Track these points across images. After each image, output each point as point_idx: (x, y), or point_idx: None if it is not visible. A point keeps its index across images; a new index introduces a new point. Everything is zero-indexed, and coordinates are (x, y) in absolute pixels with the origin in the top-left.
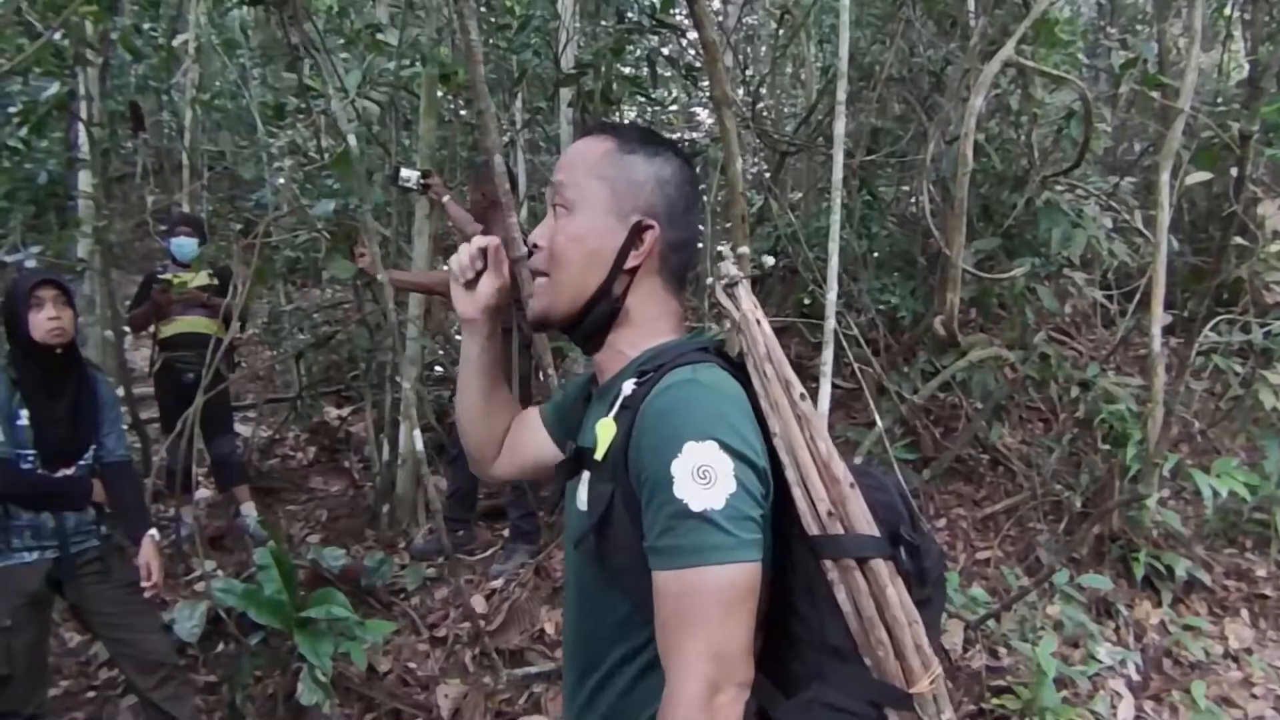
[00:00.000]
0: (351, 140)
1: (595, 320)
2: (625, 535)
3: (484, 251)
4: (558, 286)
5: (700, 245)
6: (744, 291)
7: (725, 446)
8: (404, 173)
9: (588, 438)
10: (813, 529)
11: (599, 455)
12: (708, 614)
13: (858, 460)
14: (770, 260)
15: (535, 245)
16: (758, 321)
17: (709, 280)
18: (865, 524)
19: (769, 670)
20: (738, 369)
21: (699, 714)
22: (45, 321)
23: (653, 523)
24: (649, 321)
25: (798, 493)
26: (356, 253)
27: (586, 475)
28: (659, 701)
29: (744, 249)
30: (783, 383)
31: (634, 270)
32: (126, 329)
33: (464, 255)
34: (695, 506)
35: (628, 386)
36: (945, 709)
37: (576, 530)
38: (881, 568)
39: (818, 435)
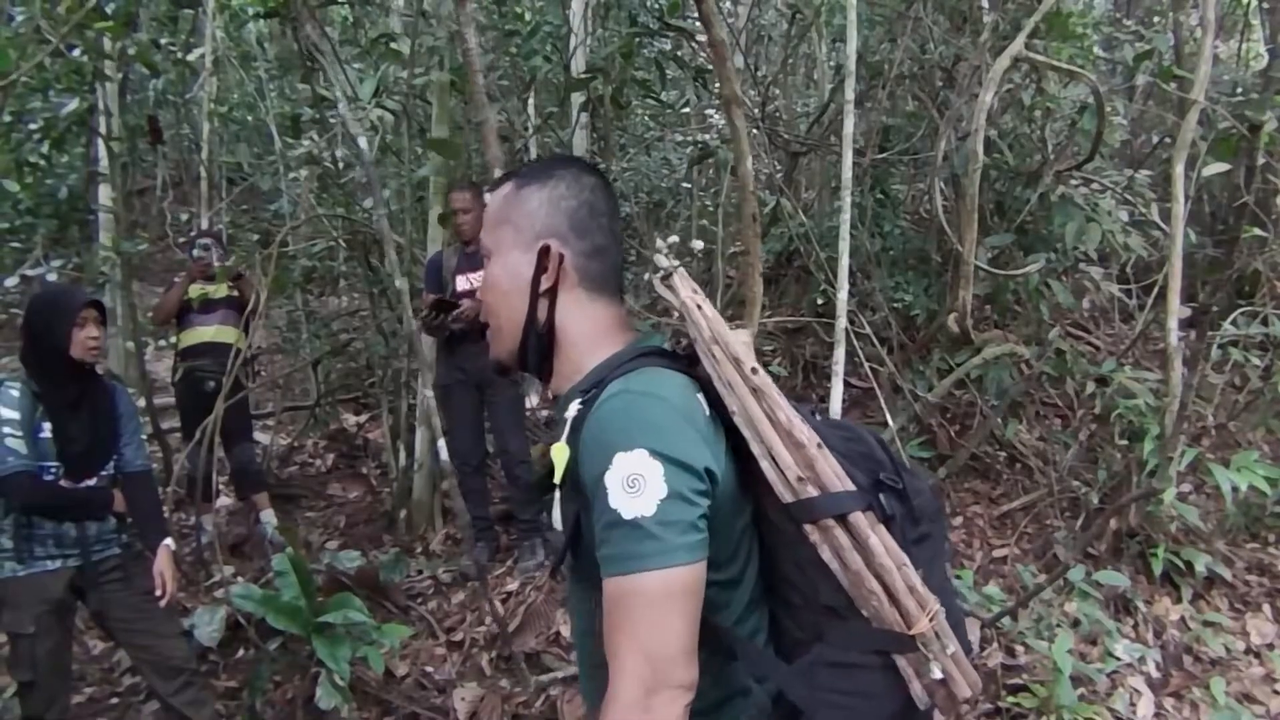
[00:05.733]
0: (362, 142)
1: (534, 351)
2: (592, 549)
3: None
4: (497, 332)
5: (622, 245)
6: (680, 280)
7: (654, 453)
8: None
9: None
10: (786, 497)
11: (558, 479)
12: (641, 617)
13: None
14: (699, 245)
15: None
16: (699, 306)
17: (647, 276)
18: (837, 481)
19: (775, 646)
20: (688, 361)
21: (634, 714)
22: (87, 340)
23: (597, 535)
24: (584, 338)
25: (765, 465)
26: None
27: (557, 495)
28: None
29: (674, 238)
30: (732, 360)
31: (552, 291)
32: (147, 340)
33: None
34: (626, 515)
35: (574, 409)
36: (950, 643)
37: (559, 547)
38: (860, 519)
39: (776, 406)
